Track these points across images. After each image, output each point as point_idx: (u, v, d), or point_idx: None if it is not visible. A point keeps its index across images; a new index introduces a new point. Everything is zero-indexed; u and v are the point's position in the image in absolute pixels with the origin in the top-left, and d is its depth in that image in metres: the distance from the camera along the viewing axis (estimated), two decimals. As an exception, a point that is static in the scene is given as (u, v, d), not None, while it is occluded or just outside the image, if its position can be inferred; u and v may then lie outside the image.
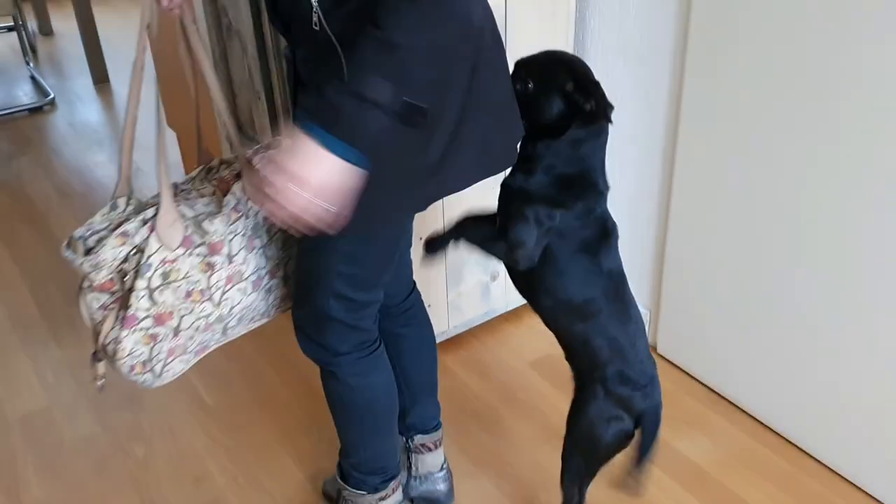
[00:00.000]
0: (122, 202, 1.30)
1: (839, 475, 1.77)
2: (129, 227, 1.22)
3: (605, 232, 1.33)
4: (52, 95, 3.87)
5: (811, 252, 1.66)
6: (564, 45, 1.98)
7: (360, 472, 1.54)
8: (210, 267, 1.28)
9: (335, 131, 0.98)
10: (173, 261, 1.25)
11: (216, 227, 1.27)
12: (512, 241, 1.28)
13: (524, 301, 1.42)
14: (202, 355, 1.39)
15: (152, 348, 1.30)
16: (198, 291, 1.29)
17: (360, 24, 0.98)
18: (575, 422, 1.45)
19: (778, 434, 1.87)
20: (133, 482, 1.83)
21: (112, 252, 1.22)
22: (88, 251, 1.23)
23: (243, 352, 2.21)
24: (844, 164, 1.54)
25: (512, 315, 2.27)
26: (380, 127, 1.00)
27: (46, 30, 4.76)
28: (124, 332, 1.26)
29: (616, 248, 1.35)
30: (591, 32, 1.98)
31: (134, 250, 1.23)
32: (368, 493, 1.55)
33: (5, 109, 3.79)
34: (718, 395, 1.99)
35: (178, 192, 1.35)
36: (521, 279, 1.37)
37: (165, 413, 2.02)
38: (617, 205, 2.03)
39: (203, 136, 1.40)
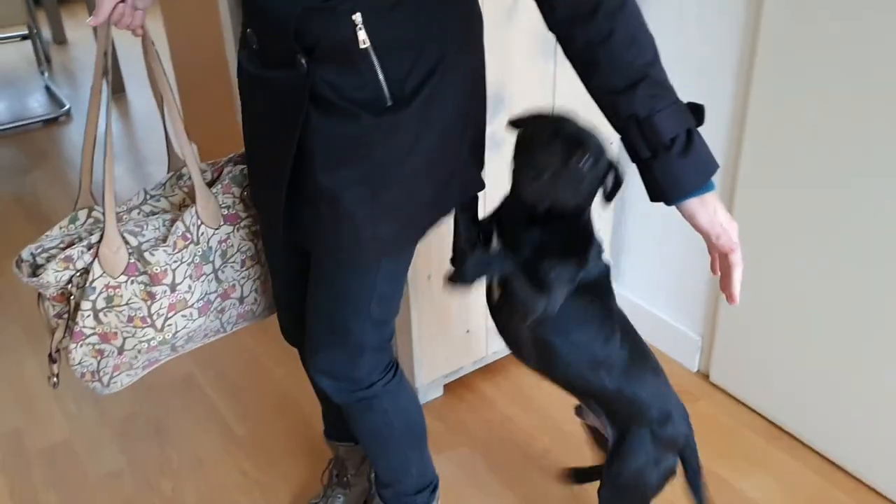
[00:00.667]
0: (82, 214, 1.32)
1: (917, 518, 1.66)
2: (74, 251, 1.24)
3: (608, 270, 1.24)
4: (67, 106, 3.78)
5: (881, 277, 1.55)
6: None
7: (410, 496, 1.48)
8: (151, 296, 1.29)
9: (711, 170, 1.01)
10: (116, 287, 1.27)
11: (158, 258, 1.28)
12: (552, 304, 1.17)
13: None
14: (151, 369, 1.41)
15: (99, 362, 1.34)
16: (139, 318, 1.30)
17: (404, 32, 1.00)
18: (619, 472, 1.35)
19: (848, 473, 1.76)
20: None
21: (55, 276, 1.24)
22: (35, 270, 1.25)
23: (272, 377, 2.11)
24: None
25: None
26: None
27: (60, 38, 4.68)
28: (73, 345, 1.29)
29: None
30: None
31: (78, 273, 1.25)
32: None
33: (20, 121, 3.71)
34: (781, 429, 1.88)
35: (147, 197, 1.39)
36: (534, 348, 1.27)
37: (194, 445, 1.92)
38: (663, 215, 1.90)
39: (171, 142, 1.40)
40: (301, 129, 1.06)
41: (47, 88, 4.03)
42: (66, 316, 1.30)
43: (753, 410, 1.93)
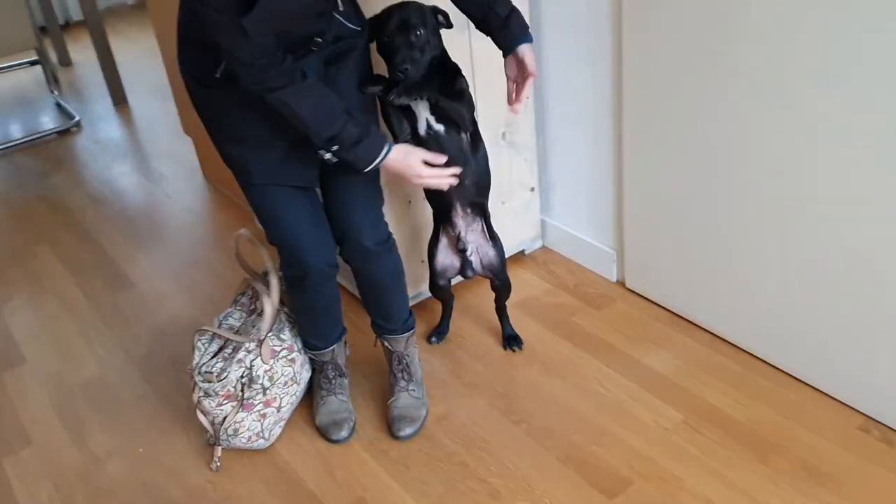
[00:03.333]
0: (237, 315, 2.12)
1: (784, 372, 2.06)
2: (242, 355, 1.94)
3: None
4: (77, 118, 4.21)
5: (753, 178, 1.95)
6: (522, 25, 2.29)
7: (410, 318, 2.15)
8: (292, 362, 2.03)
9: None
10: (271, 367, 1.97)
11: (287, 336, 2.03)
12: (470, 107, 1.92)
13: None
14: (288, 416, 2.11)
15: (262, 423, 2.00)
16: (290, 379, 2.03)
17: None
18: (502, 257, 2.18)
19: (731, 344, 2.16)
20: (182, 428, 2.15)
21: (235, 375, 1.94)
22: (218, 376, 1.93)
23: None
24: (779, 95, 1.83)
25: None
26: None
27: (65, 61, 5.11)
28: (243, 415, 1.96)
29: None
30: (545, 8, 2.29)
31: (246, 370, 1.95)
32: None
33: (36, 133, 4.15)
34: (680, 316, 2.29)
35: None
36: (468, 153, 1.95)
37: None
38: (577, 158, 2.38)
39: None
40: None
41: (58, 105, 4.47)
42: (226, 402, 1.94)
43: (659, 305, 2.34)
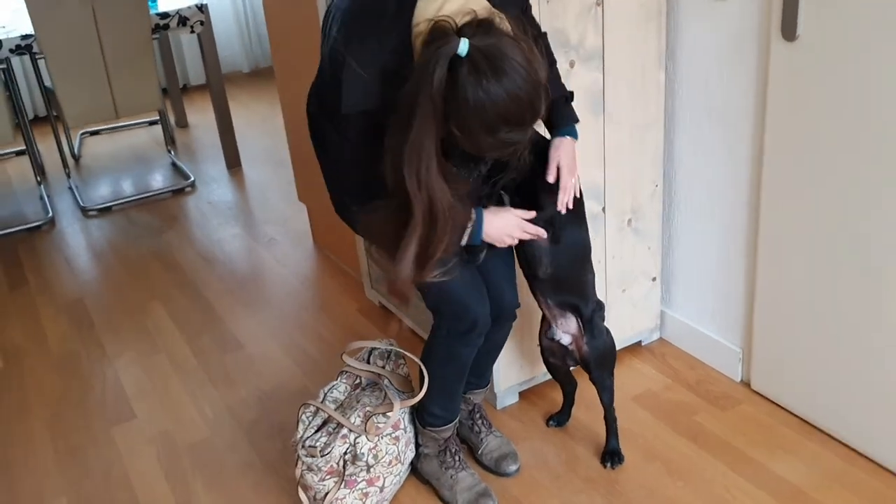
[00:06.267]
0: (342, 388, 2.08)
1: (930, 494, 1.91)
2: (346, 431, 1.91)
3: None
4: (192, 178, 4.35)
5: (893, 283, 1.85)
6: (656, 112, 2.26)
7: None
8: (396, 440, 1.98)
9: None
10: (375, 445, 1.93)
11: (394, 412, 1.94)
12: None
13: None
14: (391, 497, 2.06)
15: (365, 502, 1.96)
16: (394, 458, 1.98)
17: None
18: (596, 346, 1.99)
19: (870, 459, 2.02)
20: (289, 499, 2.11)
21: (339, 450, 1.90)
22: (322, 451, 1.90)
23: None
24: (912, 204, 1.74)
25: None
26: None
27: (183, 123, 5.32)
28: (345, 491, 1.93)
29: None
30: (680, 100, 2.26)
31: (350, 446, 1.91)
32: None
33: (152, 191, 4.29)
34: (812, 425, 2.16)
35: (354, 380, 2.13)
36: (550, 253, 1.84)
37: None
38: (704, 249, 2.30)
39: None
40: None
41: (174, 164, 4.63)
42: (328, 476, 1.91)
43: (789, 411, 2.22)
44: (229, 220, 3.92)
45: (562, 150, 1.74)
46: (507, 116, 1.37)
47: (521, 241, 1.76)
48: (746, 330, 2.29)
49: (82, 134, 5.23)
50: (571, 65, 2.07)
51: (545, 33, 1.81)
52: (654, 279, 2.47)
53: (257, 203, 4.11)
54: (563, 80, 1.86)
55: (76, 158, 4.87)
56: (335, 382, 2.09)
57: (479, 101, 1.34)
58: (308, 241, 3.58)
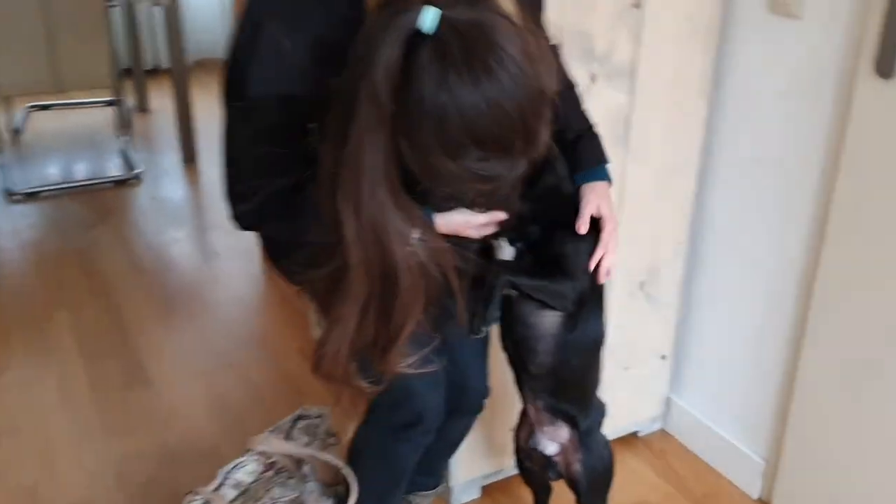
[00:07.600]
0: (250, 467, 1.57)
1: None
2: None
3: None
4: (138, 170, 3.84)
5: None
6: (689, 152, 1.80)
7: None
8: None
9: None
10: None
11: None
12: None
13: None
14: None
15: None
16: None
17: None
18: (593, 465, 1.49)
19: None
20: None
21: None
22: None
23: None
24: None
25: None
26: None
27: (143, 107, 4.82)
28: None
29: None
30: (722, 139, 1.79)
31: None
32: None
33: (91, 180, 3.79)
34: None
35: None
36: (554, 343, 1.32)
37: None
38: (731, 330, 1.80)
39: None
40: None
41: (122, 152, 4.12)
42: None
43: (821, 548, 1.74)
44: (172, 222, 3.41)
45: (597, 195, 1.27)
46: (480, 135, 0.87)
47: (509, 315, 1.27)
48: (775, 438, 1.82)
49: (30, 107, 4.70)
50: (592, 79, 1.61)
51: (558, 45, 1.32)
52: (663, 357, 2.00)
53: (208, 205, 3.61)
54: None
55: (17, 133, 4.35)
56: (243, 459, 1.60)
57: (440, 105, 0.85)
58: (256, 260, 3.07)
